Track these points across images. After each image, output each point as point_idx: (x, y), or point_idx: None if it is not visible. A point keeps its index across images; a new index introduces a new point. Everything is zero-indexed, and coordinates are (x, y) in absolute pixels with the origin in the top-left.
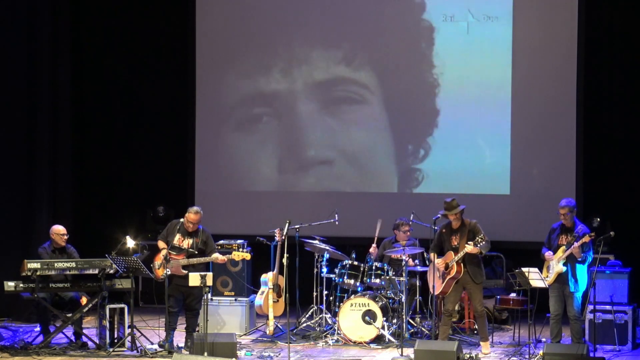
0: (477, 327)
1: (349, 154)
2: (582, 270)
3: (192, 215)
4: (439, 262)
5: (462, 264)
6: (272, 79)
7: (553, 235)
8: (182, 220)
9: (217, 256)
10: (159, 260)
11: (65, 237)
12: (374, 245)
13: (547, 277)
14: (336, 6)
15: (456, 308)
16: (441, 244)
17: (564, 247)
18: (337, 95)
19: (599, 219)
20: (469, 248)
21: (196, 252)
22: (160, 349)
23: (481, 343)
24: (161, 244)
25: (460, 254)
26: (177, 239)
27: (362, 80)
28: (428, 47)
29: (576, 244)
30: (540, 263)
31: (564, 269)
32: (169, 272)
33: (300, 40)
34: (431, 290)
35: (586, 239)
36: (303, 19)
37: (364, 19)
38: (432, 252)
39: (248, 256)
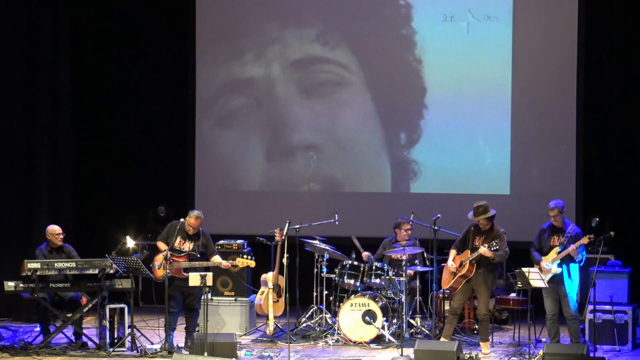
0: (478, 328)
1: (352, 154)
2: (575, 270)
3: (192, 220)
4: (452, 263)
5: (475, 265)
6: (274, 80)
7: (544, 236)
8: (182, 220)
9: (220, 261)
10: (159, 260)
11: (61, 236)
12: (365, 253)
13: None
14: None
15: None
16: (465, 241)
17: (557, 248)
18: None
19: (598, 219)
20: (483, 250)
21: (197, 255)
22: (161, 349)
23: (481, 343)
24: (162, 245)
25: (475, 254)
26: (177, 241)
27: (360, 81)
28: (425, 47)
29: (573, 246)
30: None
31: (560, 270)
32: (170, 274)
33: None
34: (440, 285)
35: (584, 240)
36: None
37: (355, 12)
38: (454, 248)
39: (252, 263)
